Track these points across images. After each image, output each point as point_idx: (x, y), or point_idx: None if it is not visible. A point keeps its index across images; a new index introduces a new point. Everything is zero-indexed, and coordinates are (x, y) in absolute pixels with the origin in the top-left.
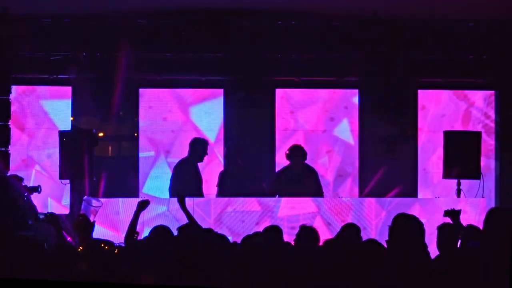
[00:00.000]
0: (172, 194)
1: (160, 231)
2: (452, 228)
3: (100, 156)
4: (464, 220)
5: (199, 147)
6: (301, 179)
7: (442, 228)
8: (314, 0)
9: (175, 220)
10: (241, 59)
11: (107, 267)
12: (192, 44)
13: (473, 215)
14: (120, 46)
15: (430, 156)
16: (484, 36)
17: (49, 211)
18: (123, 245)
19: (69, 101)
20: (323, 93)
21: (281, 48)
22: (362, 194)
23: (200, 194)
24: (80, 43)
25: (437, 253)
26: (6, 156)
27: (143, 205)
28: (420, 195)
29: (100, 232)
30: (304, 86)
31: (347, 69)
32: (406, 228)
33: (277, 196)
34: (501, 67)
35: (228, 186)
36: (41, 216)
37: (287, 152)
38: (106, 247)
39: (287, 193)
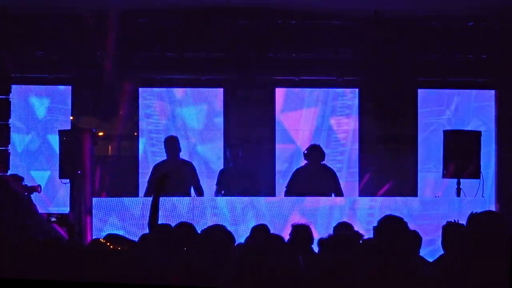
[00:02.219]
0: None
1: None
2: (457, 228)
3: (100, 156)
4: None
5: (170, 145)
6: (318, 179)
7: (447, 228)
8: (314, 0)
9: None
10: (241, 59)
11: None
12: (192, 44)
13: None
14: (120, 45)
15: (430, 156)
16: (484, 36)
17: (60, 213)
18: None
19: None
20: (323, 92)
21: (281, 47)
22: (361, 193)
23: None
24: (80, 42)
25: (440, 252)
26: (6, 155)
27: (162, 181)
28: (420, 194)
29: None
30: (304, 85)
31: (347, 68)
32: (391, 229)
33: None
34: (501, 67)
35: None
36: (53, 218)
37: (305, 151)
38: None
39: (303, 192)
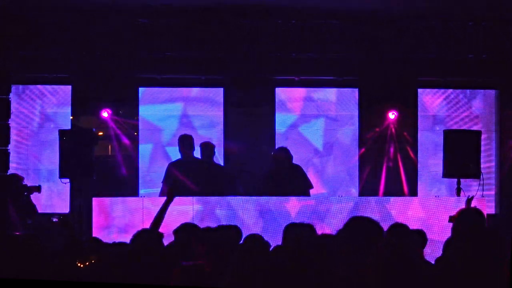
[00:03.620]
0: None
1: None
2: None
3: (100, 155)
4: None
5: (185, 143)
6: (289, 179)
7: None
8: (314, 0)
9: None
10: (241, 58)
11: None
12: (192, 43)
13: None
14: (120, 45)
15: (430, 155)
16: (484, 36)
17: (61, 214)
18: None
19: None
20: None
21: (281, 47)
22: (361, 193)
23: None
24: (80, 42)
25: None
26: (5, 155)
27: (170, 195)
28: (420, 194)
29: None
30: (304, 85)
31: (347, 68)
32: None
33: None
34: (501, 67)
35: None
36: (54, 219)
37: (272, 154)
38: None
39: (276, 193)
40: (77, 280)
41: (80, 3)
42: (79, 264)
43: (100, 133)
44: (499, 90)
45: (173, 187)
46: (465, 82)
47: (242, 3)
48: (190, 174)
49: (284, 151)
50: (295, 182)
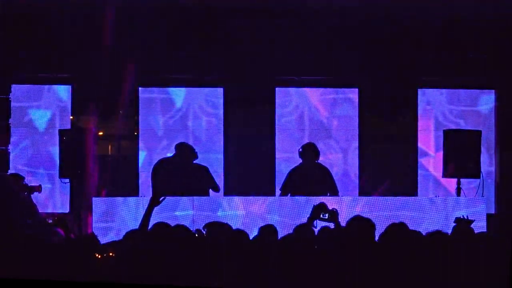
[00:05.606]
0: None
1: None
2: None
3: (100, 155)
4: None
5: (184, 152)
6: (313, 178)
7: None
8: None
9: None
10: (241, 58)
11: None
12: (192, 43)
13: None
14: (120, 44)
15: (430, 155)
16: (484, 36)
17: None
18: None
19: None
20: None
21: (281, 47)
22: (361, 193)
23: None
24: (80, 42)
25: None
26: (6, 155)
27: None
28: (420, 194)
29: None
30: (304, 85)
31: (347, 68)
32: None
33: (289, 195)
34: (501, 67)
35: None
36: (49, 220)
37: (300, 150)
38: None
39: (299, 192)
40: (76, 279)
41: (80, 2)
42: (97, 256)
43: (100, 133)
44: (498, 90)
45: (159, 190)
46: (465, 81)
47: (242, 3)
48: (172, 174)
49: (312, 146)
50: (325, 181)
